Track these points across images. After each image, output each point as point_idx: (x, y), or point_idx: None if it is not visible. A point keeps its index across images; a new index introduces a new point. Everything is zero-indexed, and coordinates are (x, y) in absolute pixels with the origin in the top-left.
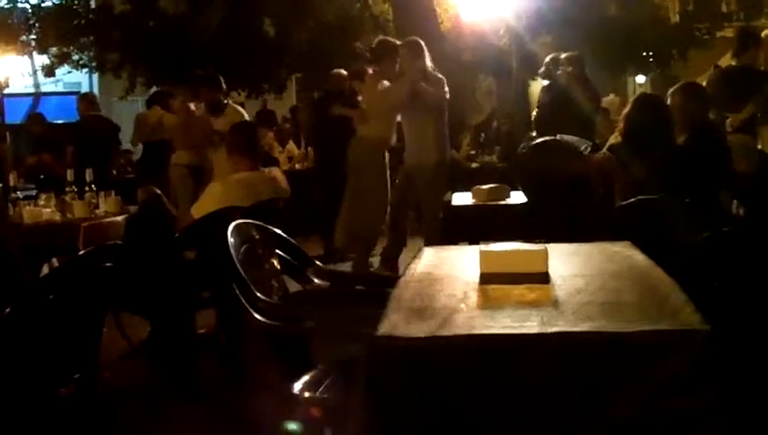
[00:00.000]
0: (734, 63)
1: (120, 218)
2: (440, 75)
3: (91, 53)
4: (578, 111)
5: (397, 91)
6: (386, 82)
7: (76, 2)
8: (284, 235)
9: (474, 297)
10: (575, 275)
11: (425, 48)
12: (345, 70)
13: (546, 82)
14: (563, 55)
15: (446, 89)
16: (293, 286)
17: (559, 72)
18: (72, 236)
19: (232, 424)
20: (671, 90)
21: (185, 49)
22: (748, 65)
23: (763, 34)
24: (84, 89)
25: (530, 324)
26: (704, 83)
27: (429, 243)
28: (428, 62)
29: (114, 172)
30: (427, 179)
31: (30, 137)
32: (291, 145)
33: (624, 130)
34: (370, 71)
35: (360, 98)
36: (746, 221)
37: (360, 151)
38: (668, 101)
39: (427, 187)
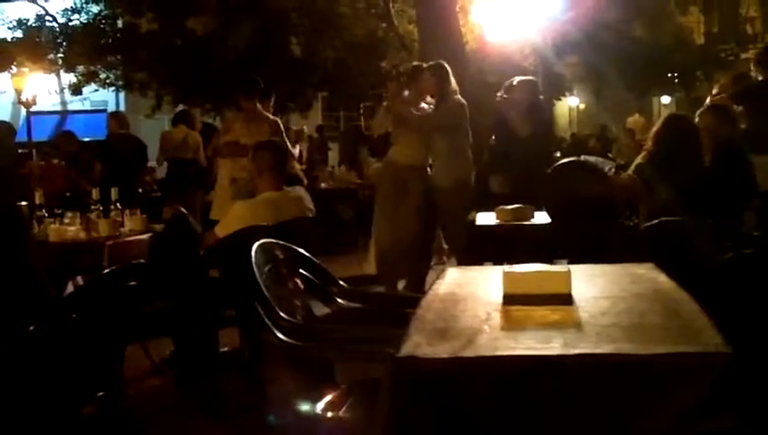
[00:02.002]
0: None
1: (144, 237)
2: (461, 100)
3: (118, 72)
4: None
5: (381, 120)
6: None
7: (103, 21)
8: (309, 255)
9: (497, 318)
10: (598, 296)
11: (449, 71)
12: (371, 89)
13: None
14: (516, 80)
15: (466, 113)
16: (317, 306)
17: (498, 98)
18: (97, 255)
19: None
20: (699, 111)
21: (211, 68)
22: None
23: None
24: (111, 107)
25: (553, 346)
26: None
27: (458, 263)
28: (453, 85)
29: (140, 190)
30: (448, 200)
31: (60, 154)
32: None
33: (653, 149)
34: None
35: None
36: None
37: (384, 174)
38: (696, 121)
39: (450, 207)
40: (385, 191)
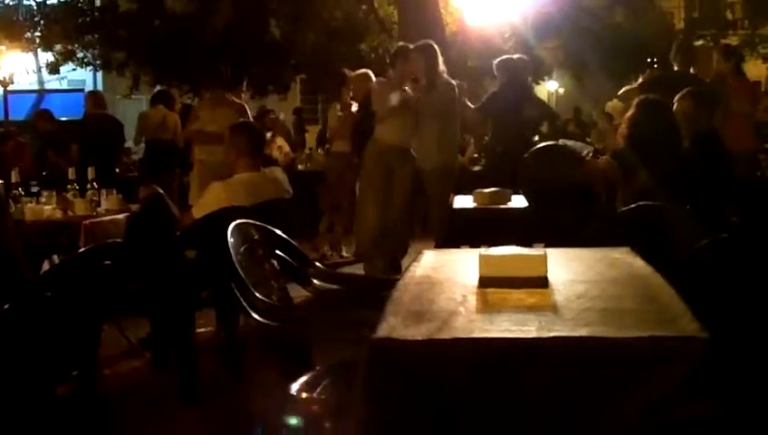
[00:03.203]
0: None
1: (121, 217)
2: (451, 80)
3: (96, 51)
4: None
5: (380, 99)
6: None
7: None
8: (285, 236)
9: (472, 301)
10: (575, 280)
11: (437, 51)
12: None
13: None
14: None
15: (458, 93)
16: (294, 288)
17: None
18: (73, 234)
19: (230, 423)
20: (678, 95)
21: (190, 49)
22: (689, 72)
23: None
24: (88, 86)
25: (528, 329)
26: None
27: (435, 246)
28: (442, 66)
29: (117, 171)
30: (432, 184)
31: (37, 134)
32: (281, 141)
33: (628, 134)
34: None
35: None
36: (743, 228)
37: (371, 154)
38: (675, 107)
39: (434, 191)
40: (371, 172)
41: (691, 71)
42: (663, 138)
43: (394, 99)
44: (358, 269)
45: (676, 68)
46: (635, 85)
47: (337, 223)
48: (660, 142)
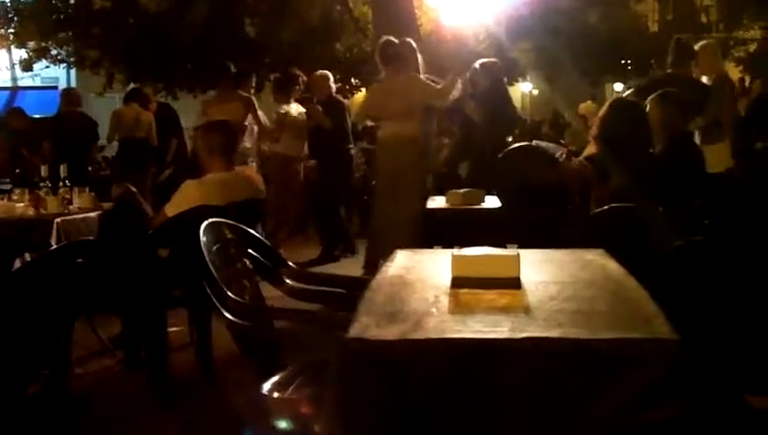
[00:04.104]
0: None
1: (93, 215)
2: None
3: (70, 49)
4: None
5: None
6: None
7: None
8: (258, 235)
9: (445, 301)
10: (547, 281)
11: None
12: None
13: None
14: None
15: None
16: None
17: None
18: (45, 232)
19: (201, 423)
20: (650, 97)
21: (165, 47)
22: (688, 75)
23: (697, 47)
24: (62, 84)
25: (501, 329)
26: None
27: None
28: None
29: (90, 168)
30: (402, 183)
31: (9, 131)
32: None
33: (600, 135)
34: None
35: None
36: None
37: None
38: (647, 109)
39: (404, 190)
40: (386, 169)
41: (694, 71)
42: (632, 138)
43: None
44: (328, 269)
45: (669, 70)
46: (630, 91)
47: (282, 228)
48: (629, 143)
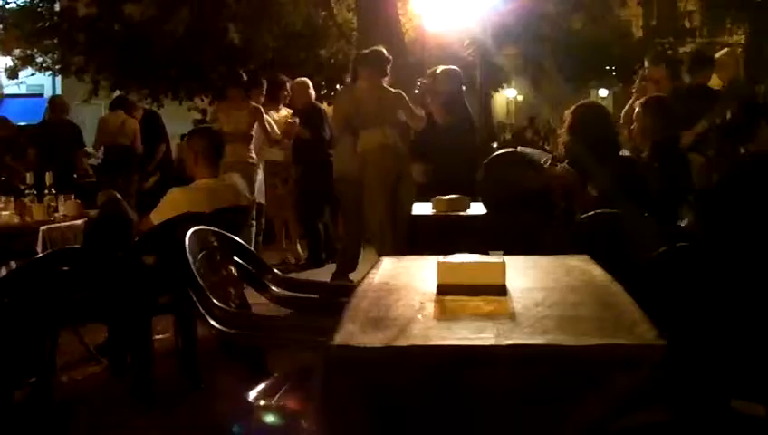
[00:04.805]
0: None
1: (79, 222)
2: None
3: (55, 56)
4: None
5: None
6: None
7: (40, 4)
8: (243, 242)
9: (430, 308)
10: (533, 288)
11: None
12: (305, 78)
13: None
14: (439, 69)
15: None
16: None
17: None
18: (31, 240)
19: (188, 430)
20: (638, 102)
21: (150, 54)
22: (701, 84)
23: (717, 56)
24: (47, 91)
25: (486, 336)
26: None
27: (381, 254)
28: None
29: (75, 176)
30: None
31: None
32: None
33: (567, 140)
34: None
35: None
36: (701, 237)
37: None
38: (634, 116)
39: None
40: (381, 174)
41: (714, 80)
42: (595, 141)
43: None
44: (314, 276)
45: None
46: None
47: (281, 231)
48: (597, 146)
